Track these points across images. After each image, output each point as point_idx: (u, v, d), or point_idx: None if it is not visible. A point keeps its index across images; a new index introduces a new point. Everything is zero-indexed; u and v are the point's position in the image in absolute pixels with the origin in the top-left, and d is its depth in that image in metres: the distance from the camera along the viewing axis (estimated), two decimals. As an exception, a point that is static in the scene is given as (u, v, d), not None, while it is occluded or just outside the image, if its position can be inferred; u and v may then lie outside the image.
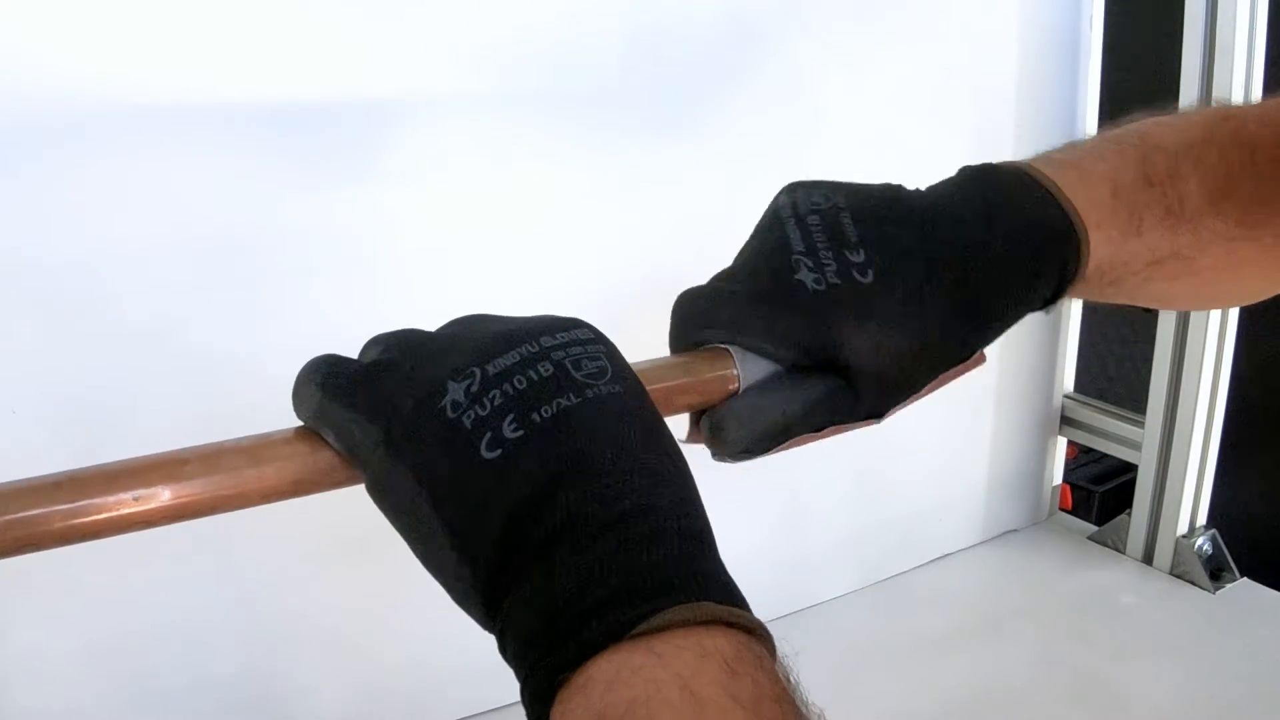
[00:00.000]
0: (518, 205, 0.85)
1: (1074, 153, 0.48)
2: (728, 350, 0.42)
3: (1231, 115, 0.49)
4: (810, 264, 0.41)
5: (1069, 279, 0.44)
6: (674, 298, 0.44)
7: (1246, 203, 0.46)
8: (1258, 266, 0.50)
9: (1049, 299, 0.45)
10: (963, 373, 0.44)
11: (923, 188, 0.45)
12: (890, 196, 0.44)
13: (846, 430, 0.44)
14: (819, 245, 0.41)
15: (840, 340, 0.40)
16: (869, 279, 0.40)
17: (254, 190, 0.74)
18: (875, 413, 0.43)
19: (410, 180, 0.80)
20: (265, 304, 0.76)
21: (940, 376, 0.43)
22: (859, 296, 0.40)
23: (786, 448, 0.43)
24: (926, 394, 0.44)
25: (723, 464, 0.43)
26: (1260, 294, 0.53)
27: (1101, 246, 0.45)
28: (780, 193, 0.44)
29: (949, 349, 0.42)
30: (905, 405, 0.44)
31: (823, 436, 0.43)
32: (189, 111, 0.70)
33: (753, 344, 0.41)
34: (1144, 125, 0.49)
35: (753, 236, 0.44)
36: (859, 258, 0.41)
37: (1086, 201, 0.44)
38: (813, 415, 0.41)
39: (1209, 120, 0.49)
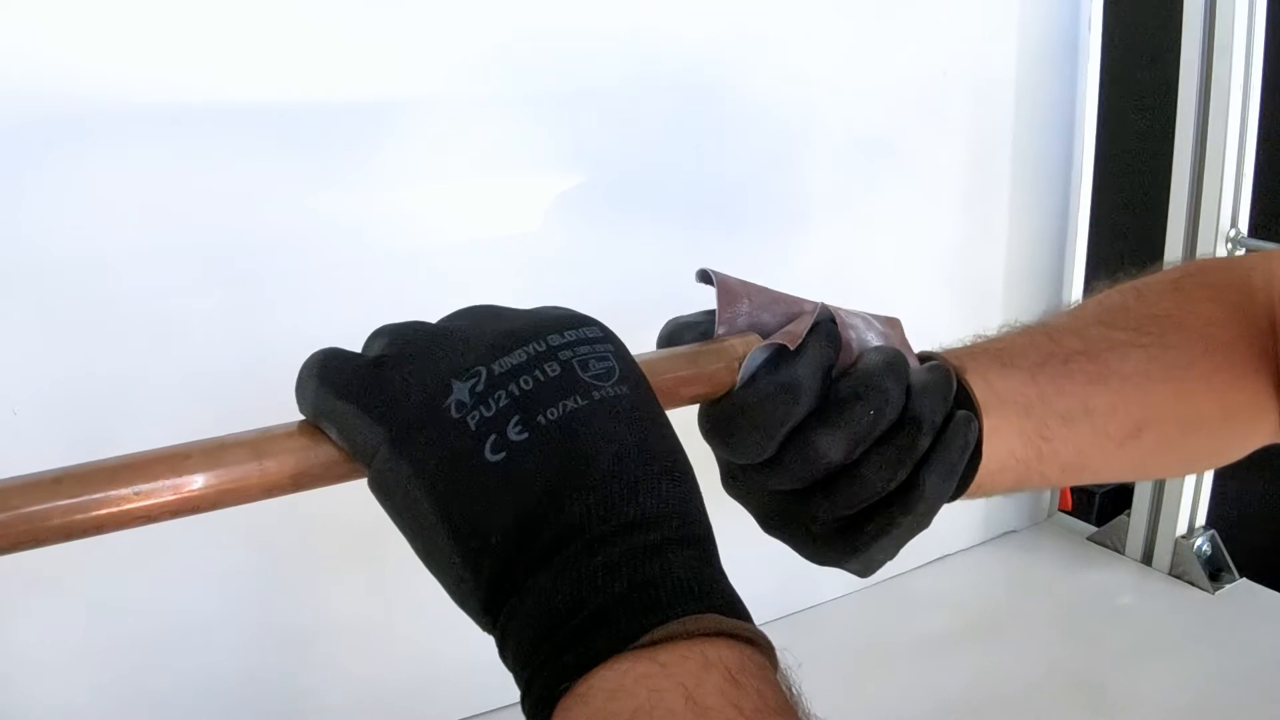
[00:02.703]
0: (518, 207, 0.85)
1: None
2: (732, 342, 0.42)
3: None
4: None
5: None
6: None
7: (1139, 319, 0.53)
8: (1191, 383, 0.52)
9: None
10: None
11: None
12: None
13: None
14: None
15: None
16: None
17: (256, 189, 0.74)
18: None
19: (411, 181, 0.80)
20: (267, 301, 0.76)
21: None
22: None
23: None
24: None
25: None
26: (1223, 427, 0.55)
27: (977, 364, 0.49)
28: None
29: None
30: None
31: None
32: (190, 111, 0.70)
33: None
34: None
35: None
36: None
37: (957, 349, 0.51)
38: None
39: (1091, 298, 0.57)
